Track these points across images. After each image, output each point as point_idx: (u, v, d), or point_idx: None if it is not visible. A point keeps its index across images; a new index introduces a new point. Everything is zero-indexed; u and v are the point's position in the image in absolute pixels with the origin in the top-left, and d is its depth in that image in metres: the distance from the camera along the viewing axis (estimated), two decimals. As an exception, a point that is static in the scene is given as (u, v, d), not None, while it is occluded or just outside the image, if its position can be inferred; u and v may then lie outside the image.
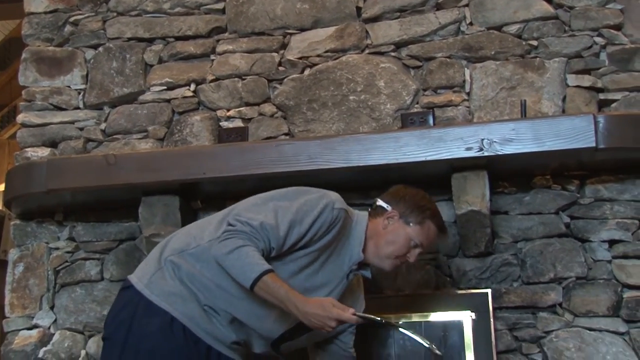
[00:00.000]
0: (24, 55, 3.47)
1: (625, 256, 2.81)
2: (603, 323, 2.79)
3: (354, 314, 2.06)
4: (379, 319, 2.18)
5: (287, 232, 2.09)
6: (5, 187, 3.21)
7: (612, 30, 2.99)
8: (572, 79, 2.98)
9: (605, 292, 2.79)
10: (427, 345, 2.26)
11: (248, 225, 2.09)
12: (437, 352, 2.31)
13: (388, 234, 2.26)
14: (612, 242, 2.84)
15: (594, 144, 2.61)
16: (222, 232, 2.12)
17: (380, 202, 2.37)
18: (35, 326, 3.22)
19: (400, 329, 2.38)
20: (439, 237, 2.35)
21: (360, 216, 2.33)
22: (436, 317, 2.97)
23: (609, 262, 2.82)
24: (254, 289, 2.03)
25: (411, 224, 2.25)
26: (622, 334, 2.78)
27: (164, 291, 2.16)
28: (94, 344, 3.13)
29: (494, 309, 2.85)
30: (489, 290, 2.89)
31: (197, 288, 2.18)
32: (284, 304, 2.05)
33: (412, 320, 3.00)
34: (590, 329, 2.79)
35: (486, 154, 2.68)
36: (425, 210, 2.30)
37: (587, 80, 2.97)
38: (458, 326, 2.89)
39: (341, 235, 2.22)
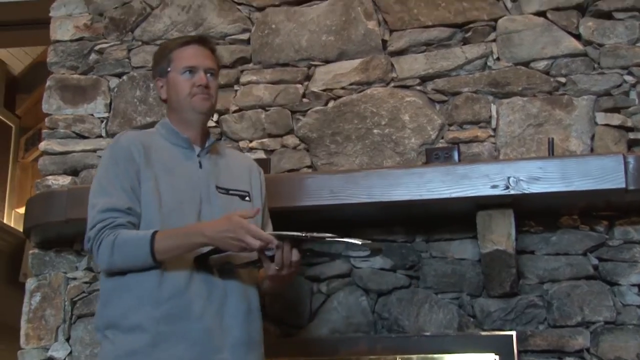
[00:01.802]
0: (48, 83, 3.48)
1: None
2: None
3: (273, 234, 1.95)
4: (303, 234, 1.98)
5: (120, 188, 2.01)
6: (25, 215, 3.23)
7: None
8: (601, 117, 2.94)
9: (634, 337, 2.72)
10: (360, 243, 2.04)
11: (100, 215, 2.00)
12: (377, 245, 2.15)
13: (170, 95, 2.19)
14: None
15: (624, 185, 2.57)
16: (87, 246, 2.03)
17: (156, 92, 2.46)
18: (51, 359, 3.21)
19: (327, 239, 2.05)
20: (198, 44, 2.22)
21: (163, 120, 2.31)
22: (459, 358, 2.92)
23: (639, 306, 2.75)
24: (157, 259, 1.93)
25: (169, 70, 2.18)
26: None
27: None
28: None
29: (518, 352, 2.78)
30: (513, 333, 2.81)
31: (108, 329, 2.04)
32: (192, 242, 1.95)
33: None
34: None
35: (512, 192, 2.63)
36: (164, 50, 2.25)
37: (616, 119, 2.93)
38: None
39: (154, 158, 2.11)
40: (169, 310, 1.95)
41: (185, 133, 2.19)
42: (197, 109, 2.16)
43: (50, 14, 3.53)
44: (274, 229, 2.27)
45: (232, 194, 2.19)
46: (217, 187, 2.16)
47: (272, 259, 1.97)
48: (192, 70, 2.15)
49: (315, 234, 1.95)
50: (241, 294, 2.09)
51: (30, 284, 3.28)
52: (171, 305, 1.96)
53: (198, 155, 2.19)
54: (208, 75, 2.18)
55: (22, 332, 3.26)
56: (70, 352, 3.17)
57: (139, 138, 2.17)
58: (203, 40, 2.26)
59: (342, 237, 2.00)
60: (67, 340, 3.19)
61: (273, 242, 1.88)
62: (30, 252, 3.35)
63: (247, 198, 2.22)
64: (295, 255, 1.96)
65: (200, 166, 2.17)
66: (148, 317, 1.95)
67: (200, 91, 2.14)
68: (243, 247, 1.89)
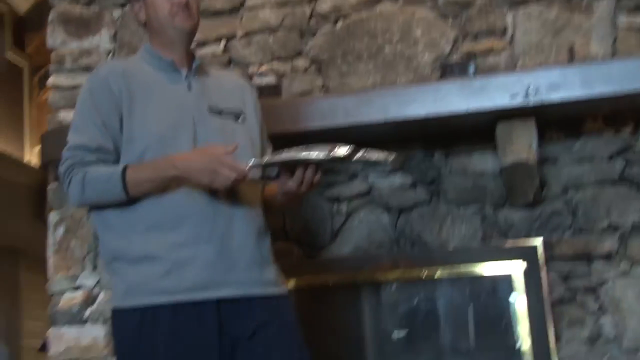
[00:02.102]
0: (51, 17, 3.44)
1: None
2: None
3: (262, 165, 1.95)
4: (296, 156, 1.92)
5: (92, 125, 1.98)
6: (41, 151, 3.27)
7: None
8: (622, 19, 2.90)
9: None
10: (382, 159, 1.94)
11: (69, 152, 1.98)
12: (399, 159, 1.99)
13: (149, 15, 2.10)
14: None
15: None
16: (63, 179, 2.04)
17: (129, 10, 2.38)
18: (80, 287, 3.28)
19: (344, 160, 1.96)
20: None
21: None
22: (484, 269, 2.96)
23: None
24: (129, 193, 1.91)
25: None
26: None
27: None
28: None
29: (545, 259, 2.83)
30: (539, 241, 2.84)
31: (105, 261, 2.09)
32: (167, 175, 1.91)
33: (459, 273, 3.02)
34: None
35: (532, 101, 2.63)
36: None
37: (638, 20, 2.90)
38: (507, 279, 2.89)
39: (137, 85, 2.05)
40: (177, 237, 1.94)
41: (169, 56, 2.11)
42: (180, 27, 2.08)
43: None
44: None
45: (225, 115, 2.12)
46: (210, 108, 2.10)
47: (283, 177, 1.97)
48: None
49: (331, 154, 1.88)
50: (248, 213, 2.05)
51: (53, 217, 3.33)
52: (179, 231, 1.94)
53: (185, 78, 2.11)
54: None
55: (50, 263, 3.32)
56: (99, 281, 3.24)
57: (120, 67, 2.12)
58: None
59: (360, 153, 1.92)
60: (95, 268, 3.26)
61: (247, 173, 1.86)
62: (49, 186, 3.39)
63: (240, 118, 2.16)
64: (314, 177, 1.93)
65: (189, 88, 2.11)
66: (155, 245, 1.94)
67: (182, 9, 2.06)
68: (213, 180, 1.86)
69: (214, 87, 2.17)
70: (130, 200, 1.93)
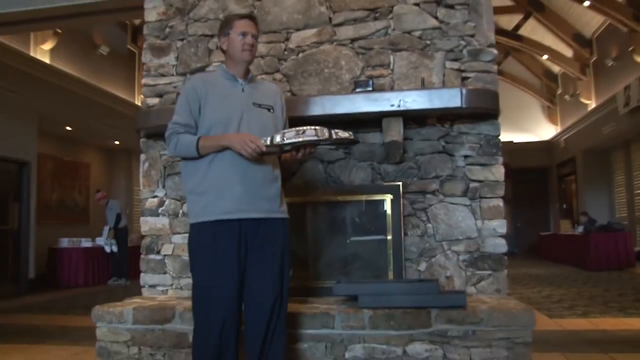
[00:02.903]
0: (144, 46, 3.72)
1: (472, 164, 3.24)
2: (458, 200, 3.27)
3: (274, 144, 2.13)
4: (298, 139, 2.13)
5: (184, 111, 2.26)
6: (136, 121, 3.50)
7: (469, 37, 3.31)
8: (448, 64, 3.31)
9: (460, 183, 3.27)
10: (353, 138, 2.22)
11: (171, 125, 2.27)
12: (357, 139, 2.28)
13: (229, 47, 2.34)
14: (465, 156, 3.28)
15: (459, 105, 3.03)
16: (167, 139, 2.29)
17: (217, 42, 2.55)
18: (156, 196, 3.66)
19: (320, 143, 2.21)
20: (249, 19, 2.36)
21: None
22: (372, 197, 3.34)
23: (463, 167, 3.27)
24: (200, 153, 2.19)
25: (230, 32, 2.33)
26: (467, 205, 3.26)
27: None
28: (186, 206, 3.44)
29: (403, 193, 3.27)
30: (400, 183, 3.29)
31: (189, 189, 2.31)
32: (220, 144, 2.17)
33: (358, 199, 3.35)
34: (452, 203, 3.27)
35: (402, 108, 3.06)
36: (228, 19, 2.40)
37: (455, 65, 3.30)
38: (383, 203, 3.29)
39: (212, 89, 2.28)
40: (221, 180, 2.19)
41: (233, 71, 2.35)
42: (245, 58, 2.33)
43: (144, 6, 3.72)
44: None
45: (263, 107, 2.35)
46: (253, 103, 2.32)
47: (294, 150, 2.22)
48: (244, 34, 2.30)
49: (304, 139, 2.12)
50: (267, 169, 2.28)
51: (142, 157, 3.71)
52: (222, 177, 2.19)
53: (241, 85, 2.34)
54: (253, 38, 2.33)
55: (141, 182, 3.72)
56: (166, 193, 3.64)
57: (203, 79, 2.37)
58: (252, 17, 2.39)
59: (336, 139, 2.18)
60: (164, 186, 3.65)
61: (263, 148, 2.11)
62: (141, 140, 3.69)
63: (271, 110, 2.38)
64: (310, 151, 2.24)
65: (243, 90, 2.33)
66: (209, 184, 2.21)
67: (248, 48, 2.31)
68: (242, 147, 2.11)
69: (258, 90, 2.39)
70: (200, 156, 2.22)
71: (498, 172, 3.30)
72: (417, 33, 3.42)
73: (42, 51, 8.68)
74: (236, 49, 2.33)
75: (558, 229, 12.79)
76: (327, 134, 2.16)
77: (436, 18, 3.41)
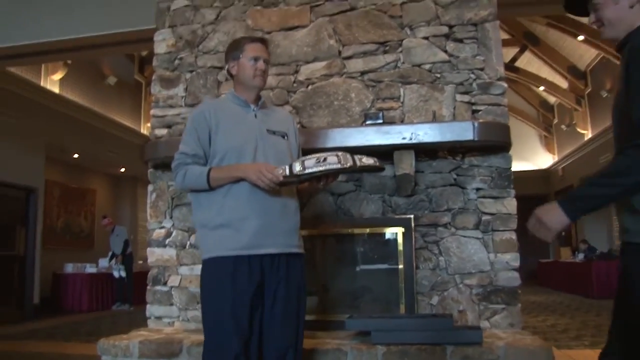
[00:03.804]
0: (153, 77, 3.68)
1: (484, 197, 3.16)
2: (470, 233, 3.17)
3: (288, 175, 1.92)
4: (320, 168, 1.90)
5: (192, 140, 2.08)
6: (143, 153, 3.48)
7: (479, 71, 3.27)
8: (458, 97, 3.26)
9: (472, 216, 3.18)
10: (378, 165, 1.99)
11: (178, 155, 2.10)
12: (382, 165, 2.03)
13: (239, 72, 2.17)
14: (477, 189, 3.19)
15: (472, 137, 2.97)
16: (173, 171, 2.12)
17: (225, 71, 2.33)
18: (163, 227, 3.60)
19: (343, 171, 1.96)
20: (261, 43, 2.20)
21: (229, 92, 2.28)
22: (383, 230, 3.27)
23: (475, 200, 3.19)
24: (211, 185, 2.02)
25: (240, 56, 2.16)
26: (479, 238, 3.16)
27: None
28: (193, 237, 3.48)
29: (414, 226, 3.18)
30: (412, 216, 3.19)
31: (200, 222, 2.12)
32: (234, 175, 2.01)
33: (369, 231, 3.27)
34: (464, 236, 3.17)
35: (413, 141, 3.00)
36: (238, 42, 2.22)
37: (466, 99, 3.26)
38: (395, 235, 3.20)
39: (222, 115, 2.12)
40: (239, 213, 2.01)
41: (244, 96, 2.18)
42: (257, 85, 2.17)
43: (154, 39, 3.69)
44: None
45: (277, 134, 2.17)
46: (267, 130, 2.14)
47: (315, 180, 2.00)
48: (256, 58, 2.14)
49: (331, 168, 1.89)
50: (285, 201, 2.10)
51: (150, 187, 3.65)
52: (240, 210, 2.02)
53: (253, 110, 2.18)
54: (265, 63, 2.18)
55: (148, 213, 3.66)
56: (173, 224, 3.58)
57: (212, 105, 2.18)
58: (264, 41, 2.23)
59: (361, 167, 1.95)
60: (171, 217, 3.59)
61: (280, 178, 1.92)
62: (149, 170, 3.64)
63: (285, 137, 2.21)
64: (327, 182, 2.03)
65: (255, 116, 2.16)
66: (226, 218, 2.03)
67: (260, 74, 2.16)
68: (259, 178, 1.94)
69: (270, 116, 2.23)
70: (211, 189, 2.04)
71: (510, 205, 3.21)
72: (427, 66, 3.37)
73: (52, 81, 8.68)
74: (247, 75, 2.17)
75: (558, 256, 12.64)
76: (350, 161, 1.92)
77: (445, 52, 3.37)
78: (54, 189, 9.87)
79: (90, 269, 9.31)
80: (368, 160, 1.96)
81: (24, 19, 4.87)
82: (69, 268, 9.19)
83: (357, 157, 1.96)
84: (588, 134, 12.17)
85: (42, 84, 8.46)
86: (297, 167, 1.92)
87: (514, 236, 3.19)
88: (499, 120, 3.20)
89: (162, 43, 3.74)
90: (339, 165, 1.90)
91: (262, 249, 2.03)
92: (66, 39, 4.82)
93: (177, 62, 3.70)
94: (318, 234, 3.36)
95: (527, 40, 11.67)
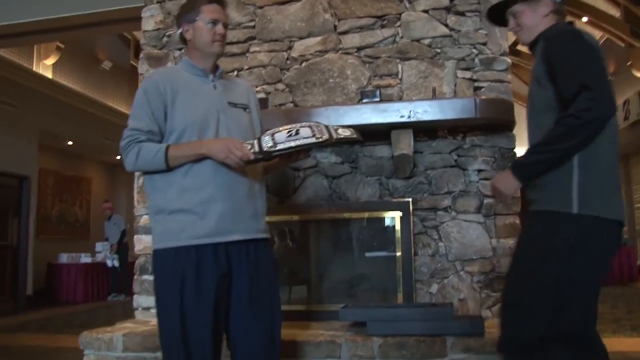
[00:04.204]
0: (141, 55, 3.54)
1: (486, 178, 3.00)
2: (472, 217, 3.04)
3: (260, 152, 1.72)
4: (293, 143, 1.72)
5: (145, 115, 1.85)
6: None
7: (481, 45, 3.12)
8: (459, 73, 3.13)
9: (474, 199, 3.05)
10: (356, 136, 1.82)
11: (128, 132, 1.85)
12: (359, 137, 1.83)
13: (195, 37, 1.95)
14: (479, 170, 3.06)
15: (474, 115, 2.82)
16: (122, 150, 1.86)
17: (176, 33, 2.06)
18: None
19: (317, 142, 1.74)
20: (219, 4, 1.99)
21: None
22: (380, 215, 3.15)
23: (477, 182, 3.04)
24: (169, 165, 1.80)
25: (196, 19, 1.94)
26: (481, 223, 3.03)
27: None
28: None
29: (412, 210, 3.06)
30: (410, 199, 3.07)
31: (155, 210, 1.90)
32: (197, 152, 1.80)
33: (365, 216, 3.15)
34: (465, 220, 3.04)
35: (412, 119, 2.86)
36: (194, 4, 1.98)
37: (467, 75, 3.13)
38: (392, 219, 3.09)
39: (178, 87, 1.89)
40: (202, 196, 1.81)
41: (202, 65, 1.97)
42: (216, 51, 1.96)
43: (141, 15, 3.55)
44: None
45: (238, 107, 1.99)
46: (229, 103, 1.96)
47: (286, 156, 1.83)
48: (214, 21, 1.93)
49: (304, 143, 1.72)
50: (252, 182, 1.92)
51: (137, 174, 3.38)
52: (203, 192, 1.81)
53: (212, 81, 1.97)
54: (224, 27, 1.97)
55: (135, 199, 3.47)
56: None
57: (166, 74, 1.97)
58: (222, 2, 2.01)
59: (337, 134, 1.78)
60: None
61: (251, 156, 1.73)
62: None
63: (247, 110, 2.02)
64: (297, 157, 1.87)
65: (215, 87, 1.96)
66: (187, 201, 1.81)
67: (219, 38, 1.94)
68: (227, 156, 1.75)
69: (230, 87, 2.03)
70: (169, 169, 1.82)
71: None
72: (427, 41, 3.22)
73: (45, 66, 8.49)
74: (205, 40, 1.94)
75: (559, 243, 12.37)
76: (326, 134, 1.74)
77: (446, 25, 3.21)
78: (48, 177, 9.70)
79: (85, 258, 9.16)
80: (344, 132, 1.79)
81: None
82: (64, 258, 9.03)
83: (331, 127, 1.80)
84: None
85: (34, 68, 8.26)
86: (268, 143, 1.74)
87: (517, 220, 3.03)
88: (503, 97, 3.03)
89: (150, 20, 3.56)
90: (313, 139, 1.73)
91: (229, 236, 1.83)
92: (56, 17, 4.64)
93: (165, 39, 3.53)
94: (311, 219, 3.24)
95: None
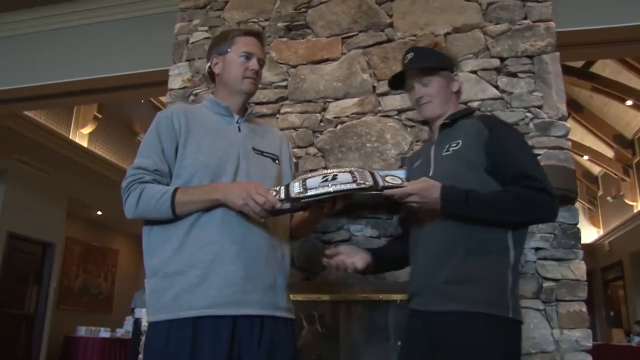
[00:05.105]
0: None
1: (545, 258, 2.70)
2: (529, 303, 2.67)
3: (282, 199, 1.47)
4: (328, 189, 1.45)
5: (154, 152, 1.63)
6: None
7: (536, 109, 2.88)
8: None
9: (531, 282, 2.68)
10: (402, 182, 1.57)
11: (132, 170, 1.61)
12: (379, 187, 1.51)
13: (224, 71, 1.76)
14: (537, 249, 2.72)
15: None
16: (122, 193, 1.60)
17: (206, 67, 1.86)
18: None
19: (350, 191, 1.46)
20: (256, 38, 1.81)
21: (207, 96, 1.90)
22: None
23: (535, 262, 2.71)
24: (176, 212, 1.53)
25: (228, 50, 1.76)
26: (540, 310, 2.67)
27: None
28: None
29: None
30: None
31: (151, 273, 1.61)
32: (211, 198, 1.53)
33: (405, 298, 2.83)
34: (522, 307, 2.50)
35: None
36: (228, 33, 1.81)
37: None
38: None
39: (195, 123, 1.68)
40: (205, 255, 1.52)
41: (228, 103, 1.77)
42: (246, 89, 1.77)
43: (169, 73, 3.43)
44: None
45: (266, 156, 1.75)
46: (254, 149, 1.72)
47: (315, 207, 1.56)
48: (248, 56, 1.75)
49: (337, 188, 1.45)
50: (273, 243, 1.63)
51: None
52: (207, 250, 1.53)
53: (237, 122, 1.76)
54: (259, 63, 1.78)
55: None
56: None
57: (183, 108, 1.74)
58: (260, 35, 1.82)
59: (385, 187, 1.52)
60: None
61: (276, 204, 1.47)
62: None
63: (277, 161, 1.79)
64: (333, 207, 1.56)
65: (239, 130, 1.74)
66: (186, 261, 1.53)
67: (252, 75, 1.75)
68: (246, 204, 1.48)
69: (259, 133, 1.82)
70: (176, 218, 1.54)
71: (579, 269, 2.65)
72: (476, 104, 2.95)
73: (81, 135, 8.59)
74: (235, 75, 1.75)
75: (609, 338, 11.55)
76: (370, 180, 1.47)
77: (497, 87, 2.96)
78: (75, 246, 9.57)
79: (105, 333, 8.79)
80: (394, 180, 1.53)
81: (39, 60, 4.68)
82: (82, 331, 8.68)
83: (378, 174, 1.52)
84: (638, 206, 11.40)
85: (70, 136, 8.34)
86: (297, 188, 1.46)
87: (584, 308, 2.62)
88: (564, 165, 2.72)
89: (177, 77, 3.41)
90: (354, 185, 1.44)
91: (236, 309, 1.52)
92: (87, 79, 4.57)
93: (191, 97, 3.35)
94: (343, 299, 2.90)
95: (570, 108, 11.20)
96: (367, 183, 1.45)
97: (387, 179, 1.52)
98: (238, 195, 1.49)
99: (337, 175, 1.47)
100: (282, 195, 1.46)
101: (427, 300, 1.64)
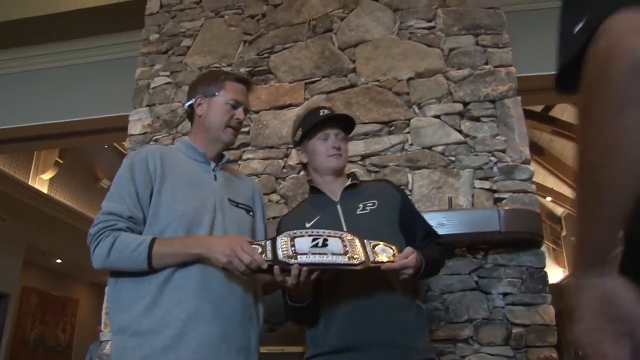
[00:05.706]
0: (124, 161, 3.28)
1: (513, 304, 2.64)
2: (499, 350, 2.61)
3: (271, 261, 1.38)
4: (318, 259, 1.37)
5: (128, 196, 1.51)
6: None
7: (500, 153, 2.88)
8: (477, 183, 2.87)
9: (500, 328, 2.63)
10: (392, 256, 1.49)
11: (103, 216, 1.49)
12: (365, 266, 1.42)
13: (208, 114, 1.67)
14: (505, 294, 2.67)
15: (498, 229, 2.50)
16: (88, 240, 1.48)
17: (186, 104, 1.76)
18: None
19: (322, 267, 1.40)
20: (246, 86, 1.74)
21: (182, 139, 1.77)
22: None
23: (503, 308, 2.66)
24: (152, 264, 1.42)
25: (216, 94, 1.68)
26: (510, 357, 2.59)
27: None
28: None
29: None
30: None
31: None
32: (191, 252, 1.44)
33: None
34: (491, 354, 2.61)
35: None
36: (218, 75, 1.73)
37: (486, 185, 2.87)
38: None
39: (170, 169, 1.59)
40: (179, 314, 1.43)
41: (204, 150, 1.70)
42: (226, 139, 1.70)
43: (129, 118, 3.35)
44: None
45: (240, 207, 1.69)
46: (229, 200, 1.66)
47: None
48: (235, 104, 1.68)
49: (330, 260, 1.38)
50: (249, 303, 1.56)
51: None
52: (182, 308, 1.43)
53: (213, 170, 1.69)
54: (245, 114, 1.73)
55: (102, 323, 3.07)
56: None
57: (158, 150, 1.64)
58: (250, 84, 1.77)
59: (338, 263, 1.41)
60: None
61: (263, 264, 1.38)
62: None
63: (251, 213, 1.74)
64: (320, 277, 1.45)
65: (215, 179, 1.67)
66: (159, 320, 1.43)
67: (236, 124, 1.70)
68: (230, 262, 1.39)
69: (233, 182, 1.76)
70: (151, 271, 1.43)
71: (547, 314, 2.61)
72: (439, 148, 2.95)
73: (41, 180, 8.31)
74: (219, 121, 1.67)
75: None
76: (361, 255, 1.41)
77: (460, 131, 2.95)
78: (31, 296, 9.13)
79: (61, 388, 8.31)
80: (382, 256, 1.46)
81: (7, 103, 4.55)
82: (35, 387, 8.20)
83: (368, 243, 1.47)
84: (601, 246, 11.61)
85: (30, 182, 8.06)
86: (286, 250, 1.37)
87: (554, 354, 2.57)
88: (529, 208, 2.69)
89: (138, 123, 3.33)
90: (345, 259, 1.38)
91: None
92: (39, 124, 4.43)
93: (151, 143, 3.27)
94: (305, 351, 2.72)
95: (532, 151, 11.43)
96: (357, 259, 1.39)
97: (377, 249, 1.47)
98: (222, 252, 1.40)
99: (327, 240, 1.41)
100: (269, 255, 1.38)
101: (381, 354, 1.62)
